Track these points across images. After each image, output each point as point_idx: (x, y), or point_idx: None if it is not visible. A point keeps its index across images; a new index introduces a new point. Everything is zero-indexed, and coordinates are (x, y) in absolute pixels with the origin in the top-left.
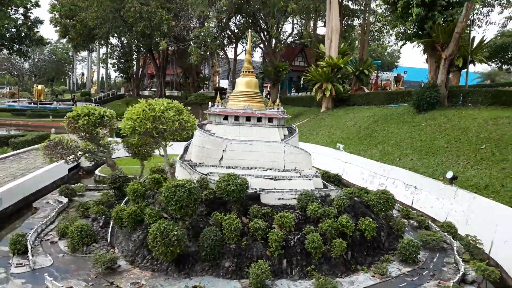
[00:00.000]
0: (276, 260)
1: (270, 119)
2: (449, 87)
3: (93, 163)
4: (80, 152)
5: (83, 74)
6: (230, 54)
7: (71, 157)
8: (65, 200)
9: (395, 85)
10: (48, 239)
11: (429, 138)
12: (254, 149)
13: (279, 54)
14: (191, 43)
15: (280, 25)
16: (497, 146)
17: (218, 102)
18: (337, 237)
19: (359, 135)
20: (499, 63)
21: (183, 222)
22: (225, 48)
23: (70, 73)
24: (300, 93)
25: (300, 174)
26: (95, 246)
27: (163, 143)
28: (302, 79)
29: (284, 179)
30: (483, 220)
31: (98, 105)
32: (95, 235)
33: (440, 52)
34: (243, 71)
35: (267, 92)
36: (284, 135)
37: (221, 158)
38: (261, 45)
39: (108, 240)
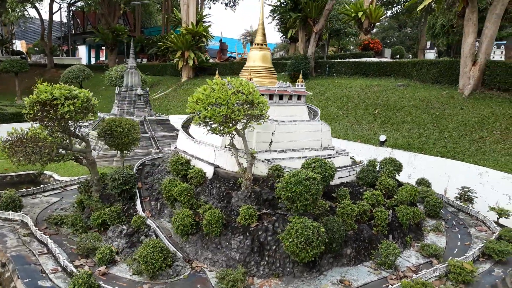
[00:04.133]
0: (383, 237)
1: (299, 97)
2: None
3: None
4: (55, 149)
5: None
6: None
7: (45, 157)
8: (18, 216)
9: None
10: (90, 271)
11: (320, 105)
12: (298, 129)
13: (116, 15)
14: None
15: None
16: (389, 110)
17: (250, 78)
18: (411, 205)
19: None
20: None
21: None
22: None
23: None
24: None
25: (337, 152)
26: (180, 266)
27: (243, 132)
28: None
29: (329, 158)
30: (432, 173)
31: None
32: (173, 253)
33: (311, 27)
34: (257, 44)
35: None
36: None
37: (271, 142)
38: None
39: (180, 254)
